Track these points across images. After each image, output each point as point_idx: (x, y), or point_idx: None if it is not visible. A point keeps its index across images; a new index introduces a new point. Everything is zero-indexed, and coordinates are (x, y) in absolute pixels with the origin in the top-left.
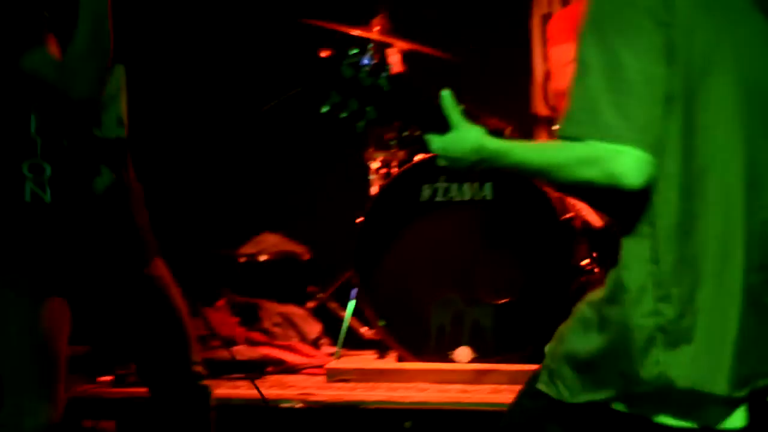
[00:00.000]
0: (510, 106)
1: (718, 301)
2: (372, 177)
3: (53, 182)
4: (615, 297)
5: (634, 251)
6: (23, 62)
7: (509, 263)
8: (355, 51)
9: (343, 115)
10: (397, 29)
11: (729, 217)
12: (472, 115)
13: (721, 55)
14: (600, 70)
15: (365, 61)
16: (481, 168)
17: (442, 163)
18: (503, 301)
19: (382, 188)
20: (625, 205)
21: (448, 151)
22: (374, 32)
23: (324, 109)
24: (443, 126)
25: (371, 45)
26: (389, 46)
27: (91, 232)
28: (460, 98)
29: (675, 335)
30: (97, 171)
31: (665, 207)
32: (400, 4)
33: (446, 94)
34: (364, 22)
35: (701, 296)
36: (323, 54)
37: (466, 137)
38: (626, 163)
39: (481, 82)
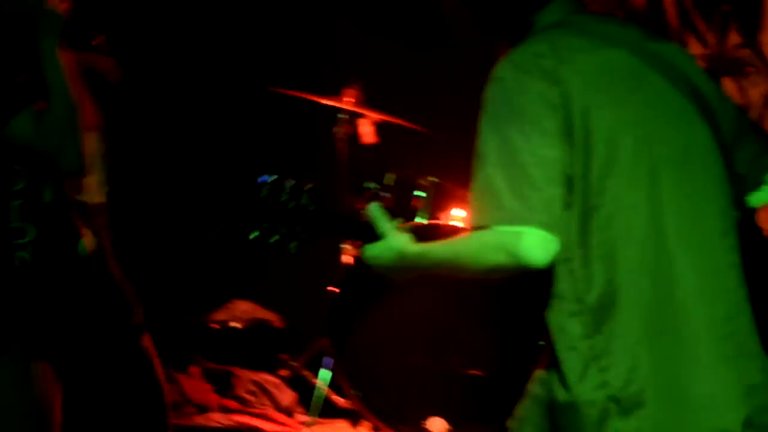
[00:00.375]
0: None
1: (667, 361)
2: (344, 246)
3: (36, 244)
4: (559, 376)
5: (568, 330)
6: (6, 132)
7: (483, 333)
8: (273, 177)
9: (274, 238)
10: (369, 100)
11: (660, 278)
12: (443, 188)
13: (624, 130)
14: (496, 159)
15: (286, 184)
16: (410, 273)
17: (375, 269)
18: (477, 371)
19: (354, 258)
20: (546, 287)
21: (379, 259)
22: (346, 102)
23: (252, 236)
24: (373, 235)
25: (343, 115)
26: (361, 116)
27: (77, 292)
28: (433, 170)
29: (627, 402)
30: (78, 234)
31: (589, 281)
32: (372, 74)
33: (373, 207)
34: (336, 92)
35: (645, 360)
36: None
37: (391, 245)
38: (529, 243)
39: (453, 154)
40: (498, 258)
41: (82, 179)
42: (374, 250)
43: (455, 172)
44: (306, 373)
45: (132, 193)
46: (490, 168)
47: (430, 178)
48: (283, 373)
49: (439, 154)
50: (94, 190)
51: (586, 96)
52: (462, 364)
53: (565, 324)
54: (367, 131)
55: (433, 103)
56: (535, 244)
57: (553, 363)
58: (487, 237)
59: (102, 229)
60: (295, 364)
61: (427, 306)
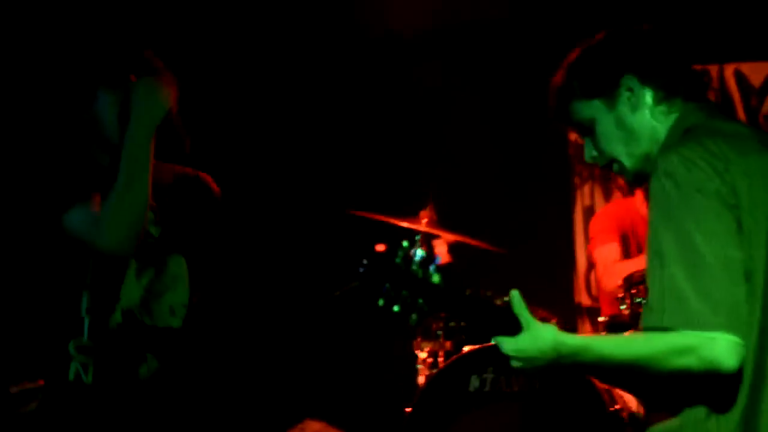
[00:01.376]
0: (554, 296)
1: None
2: (419, 367)
3: (97, 363)
4: None
5: None
6: (64, 222)
7: None
8: (406, 243)
9: (396, 308)
10: (443, 221)
11: None
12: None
13: None
14: (678, 259)
15: (417, 254)
16: (556, 366)
17: (516, 365)
18: None
19: (430, 378)
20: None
21: (524, 352)
22: (422, 224)
23: (380, 302)
24: (502, 323)
25: (419, 237)
26: (436, 237)
27: (133, 415)
28: (504, 289)
29: None
30: (142, 357)
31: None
32: (446, 196)
33: (515, 295)
34: (412, 214)
35: None
36: (378, 248)
37: (541, 336)
38: (721, 348)
39: (525, 273)
40: (687, 362)
41: (151, 302)
42: (520, 343)
43: (529, 291)
44: None
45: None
46: (673, 267)
47: (506, 298)
48: None
49: (513, 274)
50: (165, 314)
51: (752, 195)
52: None
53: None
54: (442, 251)
55: (506, 223)
56: (729, 349)
57: None
58: (674, 340)
59: (171, 355)
60: None
61: (504, 423)
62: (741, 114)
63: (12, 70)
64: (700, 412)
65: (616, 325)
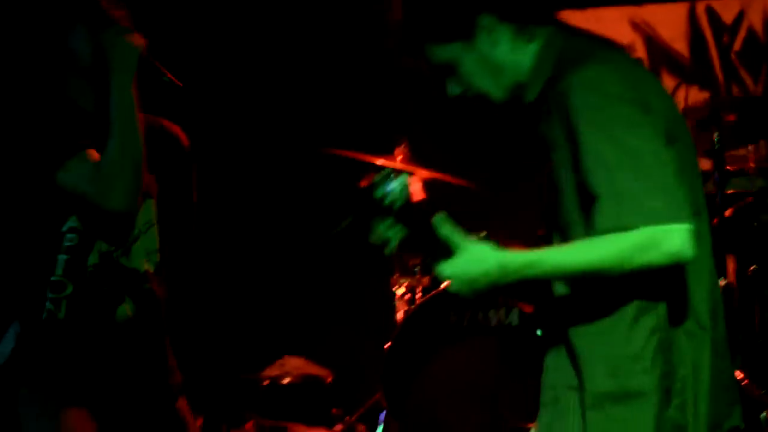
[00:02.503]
0: (534, 233)
1: (700, 356)
2: (397, 303)
3: (71, 300)
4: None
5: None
6: (58, 178)
7: (537, 388)
8: (384, 173)
9: (377, 239)
10: (418, 158)
11: (708, 268)
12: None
13: (679, 131)
14: (621, 163)
15: (393, 185)
16: (499, 285)
17: (456, 288)
18: (531, 425)
19: (408, 314)
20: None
21: (465, 274)
22: (397, 161)
23: (343, 225)
24: (442, 249)
25: (392, 173)
26: (411, 174)
27: (110, 354)
28: (483, 225)
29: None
30: (119, 299)
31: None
32: (421, 132)
33: (440, 218)
34: (388, 151)
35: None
36: (362, 183)
37: (482, 256)
38: (681, 238)
39: (503, 210)
40: (651, 257)
41: (130, 244)
42: (459, 265)
43: (505, 226)
44: (361, 427)
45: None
46: (618, 172)
47: (481, 234)
48: (338, 428)
49: (487, 209)
50: (141, 257)
51: (656, 102)
52: (518, 418)
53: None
54: (416, 189)
55: (480, 159)
56: (686, 239)
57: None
58: (635, 238)
59: (149, 295)
60: (349, 419)
61: (481, 357)
62: (713, 51)
63: None
64: (633, 307)
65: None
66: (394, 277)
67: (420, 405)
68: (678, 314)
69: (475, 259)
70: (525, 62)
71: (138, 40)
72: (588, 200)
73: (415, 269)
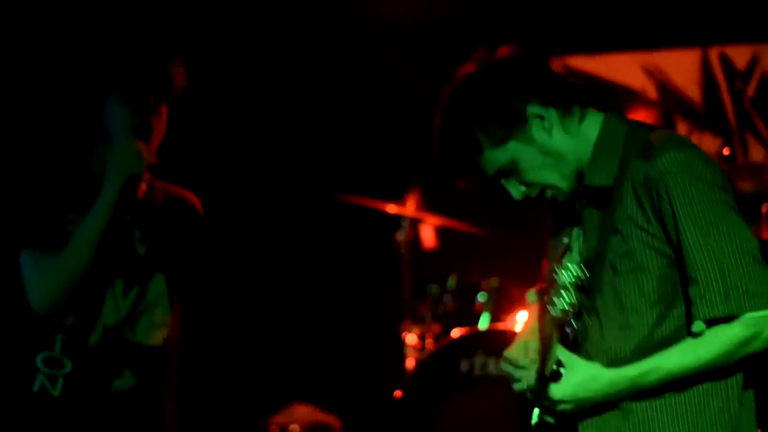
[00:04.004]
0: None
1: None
2: (408, 350)
3: (69, 378)
4: None
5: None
6: (20, 257)
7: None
8: None
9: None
10: (429, 205)
11: None
12: (506, 290)
13: None
14: (725, 250)
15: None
16: (611, 399)
17: (562, 408)
18: None
19: (419, 362)
20: None
21: (576, 395)
22: (408, 208)
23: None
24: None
25: (405, 221)
26: (422, 221)
27: (103, 428)
28: (491, 273)
29: None
30: (118, 372)
31: None
32: (431, 179)
33: (560, 347)
34: (399, 198)
35: None
36: None
37: (593, 376)
38: None
39: (513, 257)
40: (754, 347)
41: (136, 319)
42: (569, 386)
43: (516, 273)
44: None
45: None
46: (723, 259)
47: (493, 281)
48: None
49: (499, 256)
50: (147, 331)
51: None
52: None
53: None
54: (428, 236)
55: (491, 206)
56: None
57: None
58: (742, 332)
59: (151, 371)
60: None
61: (493, 406)
62: (726, 97)
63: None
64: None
65: None
66: (405, 324)
67: None
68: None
69: (587, 379)
70: (584, 147)
71: (146, 153)
72: (674, 283)
73: (425, 316)
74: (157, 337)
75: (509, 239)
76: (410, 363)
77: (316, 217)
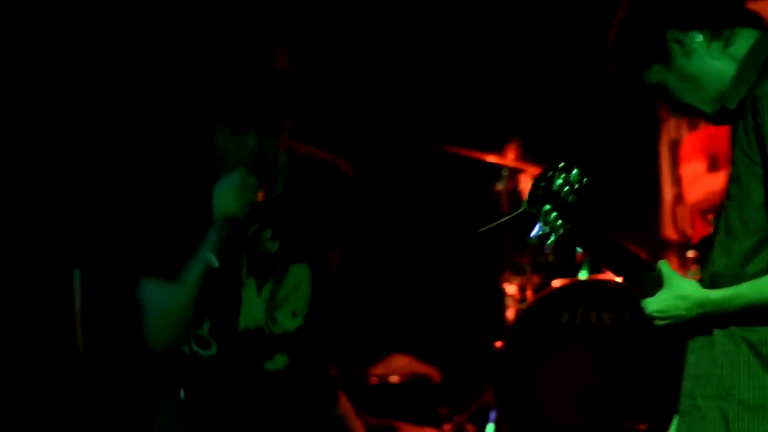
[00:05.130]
0: (640, 231)
1: None
2: (508, 301)
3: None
4: None
5: None
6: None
7: (649, 388)
8: (561, 165)
9: (543, 231)
10: (529, 155)
11: None
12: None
13: None
14: None
15: (570, 177)
16: (703, 320)
17: (659, 323)
18: (643, 426)
19: (520, 313)
20: None
21: (667, 312)
22: (508, 158)
23: (533, 235)
24: (635, 273)
25: (505, 171)
26: (522, 171)
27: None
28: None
29: None
30: (268, 356)
31: None
32: (531, 130)
33: (663, 263)
34: (498, 148)
35: None
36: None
37: (685, 294)
38: None
39: (610, 208)
40: None
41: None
42: (663, 303)
43: (615, 226)
44: (470, 427)
45: None
46: None
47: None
48: (447, 427)
49: (598, 207)
50: (287, 319)
51: None
52: (630, 419)
53: None
54: (528, 186)
55: (591, 157)
56: None
57: None
58: None
59: (301, 349)
60: (458, 418)
61: (593, 358)
62: None
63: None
64: None
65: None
66: (505, 275)
67: (531, 405)
68: None
69: (678, 296)
70: (727, 70)
71: (250, 189)
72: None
73: (526, 267)
74: (297, 321)
75: (609, 192)
76: (510, 314)
77: (416, 167)
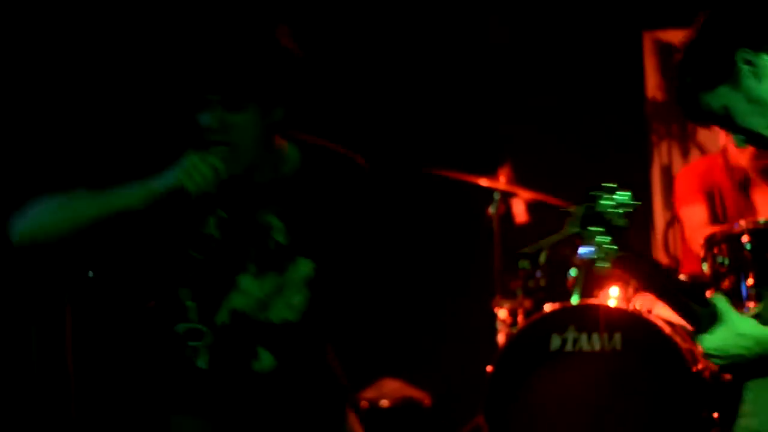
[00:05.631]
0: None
1: None
2: (499, 326)
3: (212, 349)
4: None
5: None
6: None
7: (640, 415)
8: (610, 185)
9: (597, 255)
10: (520, 179)
11: None
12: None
13: None
14: None
15: (617, 200)
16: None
17: (717, 363)
18: None
19: (510, 337)
20: None
21: (725, 351)
22: (500, 182)
23: (581, 255)
24: (690, 308)
25: (497, 195)
26: (514, 195)
27: (252, 408)
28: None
29: None
30: (252, 353)
31: None
32: (523, 154)
33: (719, 298)
34: (491, 172)
35: None
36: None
37: (743, 333)
38: None
39: None
40: None
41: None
42: (719, 341)
43: None
44: None
45: None
46: None
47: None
48: None
49: None
50: (283, 310)
51: None
52: None
53: None
54: (520, 210)
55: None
56: None
57: None
58: None
59: (291, 346)
60: None
61: (585, 382)
62: None
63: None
64: None
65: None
66: (496, 299)
67: (522, 430)
68: None
69: (734, 334)
70: None
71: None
72: None
73: (517, 291)
74: (292, 314)
75: None
76: (501, 338)
77: (408, 190)
